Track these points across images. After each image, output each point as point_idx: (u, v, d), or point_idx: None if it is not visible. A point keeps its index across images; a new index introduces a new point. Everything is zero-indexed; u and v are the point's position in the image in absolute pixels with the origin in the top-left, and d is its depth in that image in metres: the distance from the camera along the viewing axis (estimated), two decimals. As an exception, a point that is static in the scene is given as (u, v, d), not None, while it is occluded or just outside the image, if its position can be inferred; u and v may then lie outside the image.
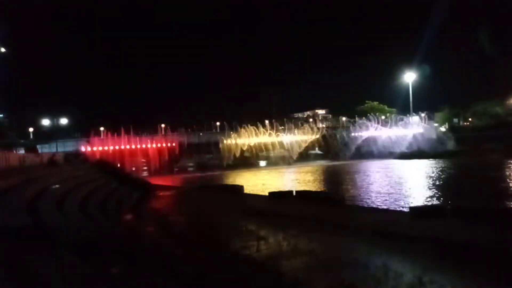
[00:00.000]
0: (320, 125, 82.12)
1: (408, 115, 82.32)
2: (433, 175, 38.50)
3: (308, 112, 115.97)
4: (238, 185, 24.61)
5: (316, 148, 74.57)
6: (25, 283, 4.51)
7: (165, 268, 6.07)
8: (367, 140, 73.95)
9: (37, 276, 4.65)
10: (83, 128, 63.44)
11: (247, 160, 66.42)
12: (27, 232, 6.74)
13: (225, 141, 65.77)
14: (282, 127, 72.62)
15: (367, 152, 71.76)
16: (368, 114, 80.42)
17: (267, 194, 20.05)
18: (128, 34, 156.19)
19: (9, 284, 4.37)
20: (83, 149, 55.59)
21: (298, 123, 78.40)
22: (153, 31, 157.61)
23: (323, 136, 72.06)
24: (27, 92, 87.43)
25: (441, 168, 45.32)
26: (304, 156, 70.45)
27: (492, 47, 69.82)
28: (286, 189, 24.97)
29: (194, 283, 5.55)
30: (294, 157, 68.31)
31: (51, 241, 6.44)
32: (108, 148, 56.60)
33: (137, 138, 61.00)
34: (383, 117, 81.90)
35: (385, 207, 20.63)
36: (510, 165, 42.82)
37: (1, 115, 54.15)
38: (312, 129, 73.19)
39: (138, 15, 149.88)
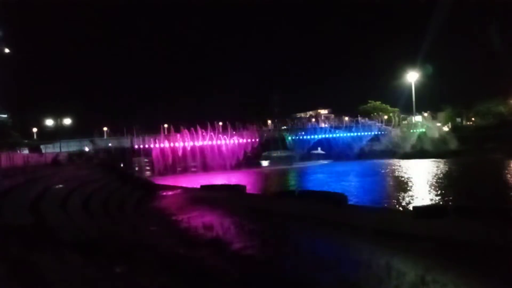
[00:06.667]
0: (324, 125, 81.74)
1: (411, 114, 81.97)
2: (435, 174, 38.36)
3: (311, 112, 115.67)
4: (241, 185, 24.64)
5: (319, 148, 74.54)
6: (28, 282, 4.52)
7: (167, 267, 6.07)
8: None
9: (40, 274, 4.66)
10: (87, 128, 63.51)
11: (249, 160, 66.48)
12: (30, 231, 6.76)
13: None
14: (284, 126, 72.47)
15: (370, 151, 71.79)
16: (371, 114, 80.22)
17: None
18: (130, 32, 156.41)
19: (12, 282, 4.38)
20: (86, 149, 55.85)
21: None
22: (155, 29, 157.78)
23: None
24: (31, 92, 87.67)
25: (443, 168, 45.16)
26: (306, 156, 70.50)
27: (501, 43, 68.94)
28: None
29: (196, 281, 5.55)
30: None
31: (54, 240, 6.46)
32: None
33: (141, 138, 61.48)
34: (385, 116, 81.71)
35: (388, 206, 20.58)
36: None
37: (4, 115, 54.25)
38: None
39: (138, 15, 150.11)
